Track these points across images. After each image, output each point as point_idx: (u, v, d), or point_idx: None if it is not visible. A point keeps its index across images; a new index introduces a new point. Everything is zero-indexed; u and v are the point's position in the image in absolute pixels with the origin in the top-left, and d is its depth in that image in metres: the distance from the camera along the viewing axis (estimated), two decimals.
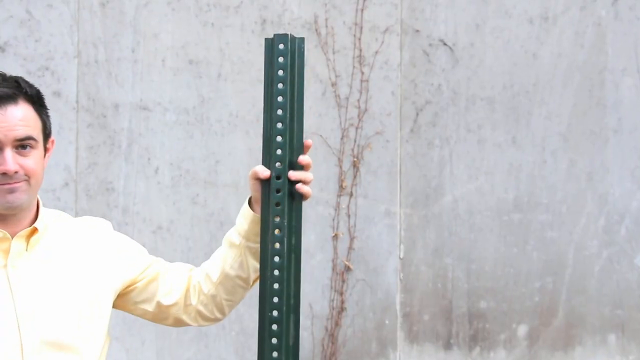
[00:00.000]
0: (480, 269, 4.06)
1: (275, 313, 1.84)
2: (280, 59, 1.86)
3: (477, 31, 4.08)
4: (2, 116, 1.80)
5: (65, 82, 4.01)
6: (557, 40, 4.07)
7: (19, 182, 1.82)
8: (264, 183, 1.87)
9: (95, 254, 1.95)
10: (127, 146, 4.05)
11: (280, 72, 1.86)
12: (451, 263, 4.07)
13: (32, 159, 1.84)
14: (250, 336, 4.02)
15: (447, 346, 4.08)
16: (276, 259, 1.85)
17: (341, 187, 4.07)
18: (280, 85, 1.85)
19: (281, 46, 1.86)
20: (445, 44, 4.09)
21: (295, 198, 1.87)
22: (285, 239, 1.85)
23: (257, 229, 1.91)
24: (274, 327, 1.84)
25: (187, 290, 2.03)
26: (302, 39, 1.88)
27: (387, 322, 4.08)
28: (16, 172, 1.81)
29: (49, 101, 1.95)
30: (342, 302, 4.05)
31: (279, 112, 1.86)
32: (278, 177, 1.85)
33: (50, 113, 1.94)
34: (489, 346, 4.07)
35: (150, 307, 2.03)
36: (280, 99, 1.85)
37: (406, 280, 4.07)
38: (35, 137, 1.85)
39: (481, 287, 4.06)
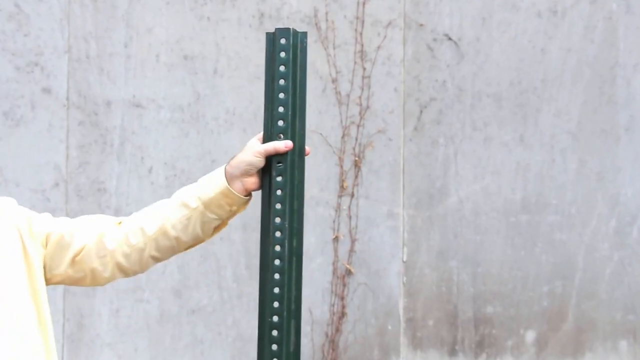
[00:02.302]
0: (486, 273, 4.03)
1: (275, 318, 1.83)
2: (282, 54, 1.85)
3: (484, 25, 4.05)
4: None
5: (55, 78, 3.94)
6: (566, 34, 4.04)
7: None
8: (265, 183, 1.84)
9: (17, 235, 1.85)
10: (119, 145, 4.02)
11: (282, 68, 1.84)
12: (456, 266, 4.05)
13: None
14: (248, 342, 4.02)
15: (452, 352, 4.05)
16: (277, 262, 1.84)
17: (342, 188, 4.04)
18: (282, 82, 1.84)
19: (283, 41, 1.84)
20: (450, 39, 4.07)
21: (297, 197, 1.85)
22: (287, 242, 1.83)
23: (222, 201, 1.84)
24: (274, 332, 1.83)
25: (103, 236, 1.91)
26: (304, 34, 1.87)
27: (389, 327, 4.04)
28: None
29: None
30: (343, 306, 4.04)
31: (281, 109, 1.84)
32: (279, 177, 1.83)
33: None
34: (496, 352, 4.05)
35: (63, 266, 1.90)
36: (282, 95, 1.84)
37: (409, 284, 4.04)
38: None
39: (487, 291, 4.04)
